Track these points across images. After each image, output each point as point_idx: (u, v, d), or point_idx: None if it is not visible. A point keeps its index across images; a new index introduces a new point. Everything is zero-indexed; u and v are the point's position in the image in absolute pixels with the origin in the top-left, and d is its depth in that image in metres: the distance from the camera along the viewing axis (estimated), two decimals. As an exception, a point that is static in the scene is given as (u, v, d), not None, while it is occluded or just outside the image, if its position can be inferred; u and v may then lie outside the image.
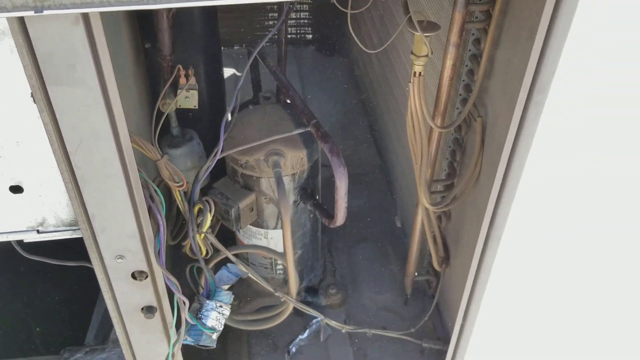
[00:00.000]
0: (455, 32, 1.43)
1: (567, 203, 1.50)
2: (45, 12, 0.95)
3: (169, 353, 1.56)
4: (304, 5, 3.61)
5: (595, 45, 1.16)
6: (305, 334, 2.11)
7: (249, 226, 1.95)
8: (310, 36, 3.71)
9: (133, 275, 1.45)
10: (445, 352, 2.00)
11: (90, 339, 2.05)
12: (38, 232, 1.35)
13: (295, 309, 2.05)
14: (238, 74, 3.23)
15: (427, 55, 1.45)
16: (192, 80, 1.74)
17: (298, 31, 3.70)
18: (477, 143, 1.59)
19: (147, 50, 1.88)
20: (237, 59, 3.41)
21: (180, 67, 1.70)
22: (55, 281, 2.46)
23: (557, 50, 1.17)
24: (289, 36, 3.79)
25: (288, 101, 2.00)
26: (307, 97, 3.39)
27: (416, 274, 2.21)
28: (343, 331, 2.04)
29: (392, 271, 2.37)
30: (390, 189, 2.76)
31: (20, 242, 1.40)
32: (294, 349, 2.06)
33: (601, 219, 1.50)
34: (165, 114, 1.69)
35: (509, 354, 1.94)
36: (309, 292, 2.20)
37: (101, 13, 1.03)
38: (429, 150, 1.71)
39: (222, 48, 3.15)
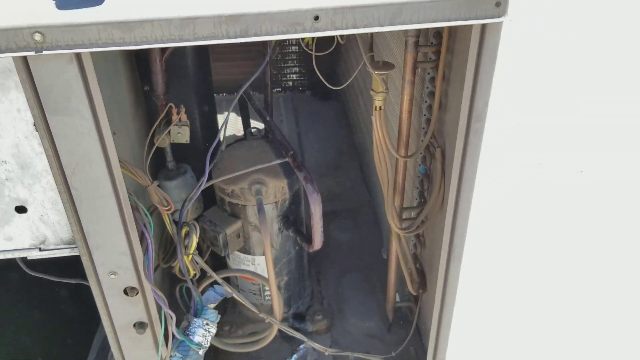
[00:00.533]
0: (408, 71, 1.62)
1: (518, 218, 1.65)
2: (44, 52, 1.15)
3: (156, 365, 1.69)
4: (300, 56, 3.88)
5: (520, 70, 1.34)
6: (293, 358, 2.23)
7: (237, 253, 2.11)
8: (307, 82, 3.96)
9: (125, 292, 1.61)
10: (424, 375, 2.11)
11: (92, 358, 2.19)
12: (40, 249, 1.52)
13: (282, 334, 2.19)
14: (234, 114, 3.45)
15: (384, 92, 1.63)
16: (184, 117, 1.93)
17: (296, 78, 3.96)
18: (438, 171, 1.74)
19: (147, 92, 2.08)
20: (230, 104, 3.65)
21: (173, 106, 1.89)
22: (60, 301, 2.62)
23: (486, 83, 1.36)
24: (287, 83, 4.05)
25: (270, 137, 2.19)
26: (303, 138, 3.60)
27: (398, 300, 2.34)
28: (326, 354, 2.15)
29: (377, 300, 2.49)
30: (377, 223, 2.90)
31: (24, 260, 1.57)
32: (281, 371, 2.18)
33: (552, 226, 1.65)
34: (155, 146, 1.86)
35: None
36: (296, 319, 2.33)
37: (93, 54, 1.22)
38: (396, 178, 1.87)
39: (220, 94, 3.39)
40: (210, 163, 1.82)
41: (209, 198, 2.14)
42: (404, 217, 1.98)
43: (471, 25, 1.31)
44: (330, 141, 3.58)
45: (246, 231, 2.04)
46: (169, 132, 1.95)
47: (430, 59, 1.66)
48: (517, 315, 1.90)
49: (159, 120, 1.87)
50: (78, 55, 1.20)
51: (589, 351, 2.04)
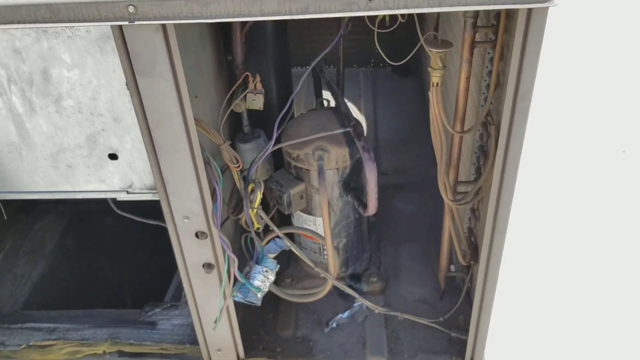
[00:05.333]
0: (466, 50, 1.70)
1: (562, 199, 1.71)
2: (136, 22, 1.36)
3: (220, 304, 1.91)
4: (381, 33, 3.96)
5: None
6: (346, 314, 2.40)
7: (299, 212, 2.29)
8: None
9: (196, 235, 1.83)
10: (469, 342, 2.22)
11: (169, 297, 2.47)
12: (127, 192, 1.77)
13: (339, 292, 2.36)
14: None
15: (441, 69, 1.73)
16: (259, 85, 2.12)
17: (376, 53, 4.05)
18: (492, 147, 1.83)
19: (229, 62, 2.29)
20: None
21: (249, 74, 2.08)
22: (151, 242, 2.94)
23: (532, 65, 1.43)
24: (371, 60, 4.16)
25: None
26: (378, 113, 3.72)
27: (453, 270, 2.44)
28: (376, 312, 2.31)
29: (433, 270, 2.60)
30: (441, 198, 2.99)
31: (114, 201, 1.83)
32: (334, 325, 2.36)
33: (595, 211, 1.70)
34: (230, 110, 2.05)
35: (524, 342, 2.12)
36: (353, 278, 2.49)
37: (178, 26, 1.42)
38: (451, 152, 1.97)
39: (296, 67, 3.55)
40: (278, 129, 2.01)
41: (280, 162, 2.33)
42: (458, 190, 2.08)
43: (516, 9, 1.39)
44: (406, 117, 3.68)
45: (309, 193, 2.21)
46: (245, 98, 2.15)
47: (490, 39, 1.73)
48: (560, 290, 1.96)
49: (235, 86, 2.06)
50: (164, 26, 1.40)
51: (633, 327, 2.06)
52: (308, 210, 2.28)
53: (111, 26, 1.41)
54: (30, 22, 1.35)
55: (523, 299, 2.03)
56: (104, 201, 2.97)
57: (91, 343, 2.27)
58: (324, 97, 2.58)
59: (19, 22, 1.35)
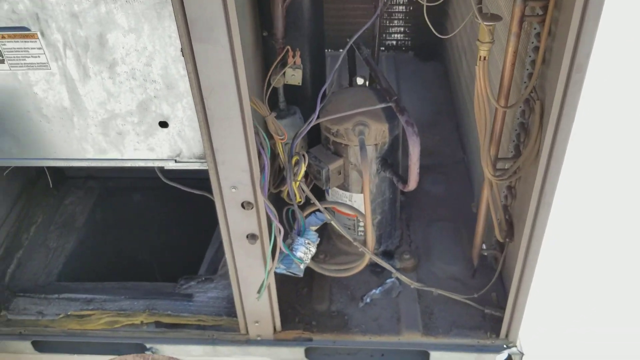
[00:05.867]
0: (515, 24, 1.71)
1: (612, 179, 1.72)
2: (197, -14, 1.37)
3: (267, 270, 1.93)
4: (406, 16, 3.96)
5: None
6: (379, 289, 2.42)
7: (335, 189, 2.31)
8: (410, 43, 4.04)
9: (242, 205, 1.85)
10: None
11: (203, 271, 2.50)
12: (175, 161, 1.78)
13: (370, 268, 2.38)
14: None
15: (490, 42, 1.73)
16: (298, 60, 2.12)
17: (399, 38, 4.05)
18: (536, 123, 1.83)
19: (264, 38, 2.30)
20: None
21: (290, 48, 2.09)
22: (179, 218, 2.96)
23: (590, 36, 1.44)
24: (391, 42, 4.15)
25: (376, 85, 2.34)
26: (402, 96, 3.71)
27: (484, 248, 2.45)
28: (412, 287, 2.33)
29: (463, 248, 2.61)
30: (469, 179, 3.00)
31: (161, 169, 1.85)
32: (368, 300, 2.38)
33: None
34: (272, 86, 2.06)
35: (560, 322, 2.14)
36: (385, 256, 2.51)
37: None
38: (494, 128, 1.98)
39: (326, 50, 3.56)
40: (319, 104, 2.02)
41: (312, 139, 2.34)
42: (497, 167, 2.09)
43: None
44: (429, 100, 3.68)
45: (346, 169, 2.23)
46: (284, 73, 2.16)
47: (537, 14, 1.74)
48: (597, 270, 1.97)
49: (277, 61, 2.07)
50: (223, -8, 1.41)
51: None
52: (345, 187, 2.29)
53: (171, -9, 1.42)
54: (91, -15, 1.36)
55: (561, 283, 2.05)
56: (133, 177, 3.00)
57: (129, 313, 2.29)
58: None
59: (80, -15, 1.36)
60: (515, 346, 2.26)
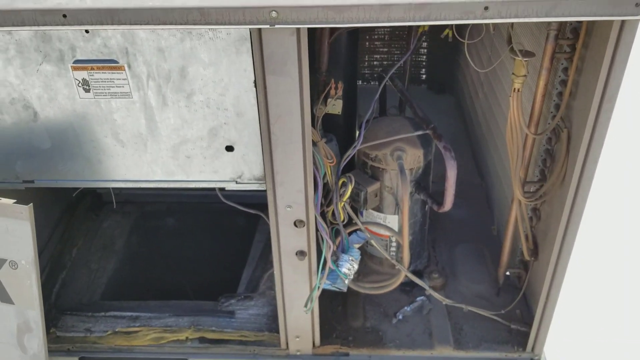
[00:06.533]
0: (547, 59, 1.90)
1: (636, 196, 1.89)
2: (276, 26, 1.54)
3: (317, 284, 2.07)
4: (420, 50, 4.19)
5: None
6: (410, 307, 2.56)
7: (370, 210, 2.46)
8: (424, 76, 4.26)
9: (295, 224, 2.00)
10: (529, 334, 2.38)
11: (242, 290, 2.62)
12: (236, 182, 1.93)
13: (401, 288, 2.52)
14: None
15: (524, 75, 1.92)
16: (340, 91, 2.30)
17: (413, 71, 4.27)
18: (563, 150, 2.02)
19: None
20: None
21: (333, 81, 2.27)
22: (211, 240, 3.10)
23: (620, 70, 1.62)
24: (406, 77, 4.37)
25: (409, 115, 2.52)
26: (418, 127, 3.91)
27: (508, 271, 2.61)
28: (443, 303, 2.47)
29: (487, 268, 2.76)
30: (488, 204, 3.17)
31: (221, 190, 2.00)
32: (400, 316, 2.51)
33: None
34: (320, 116, 2.24)
35: (583, 332, 2.28)
36: (414, 275, 2.65)
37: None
38: (524, 153, 2.16)
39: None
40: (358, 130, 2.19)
41: (348, 164, 2.51)
42: (525, 190, 2.26)
43: (610, 22, 1.58)
44: (444, 130, 3.81)
45: (382, 193, 2.39)
46: (326, 103, 2.33)
47: (565, 51, 1.93)
48: (621, 282, 2.13)
49: (324, 93, 2.25)
50: (298, 30, 1.58)
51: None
52: (379, 208, 2.45)
53: (251, 29, 1.59)
54: (181, 24, 1.52)
55: (586, 299, 2.19)
56: (167, 202, 3.14)
57: (174, 330, 2.41)
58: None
59: (171, 24, 1.53)
60: (541, 359, 2.40)
